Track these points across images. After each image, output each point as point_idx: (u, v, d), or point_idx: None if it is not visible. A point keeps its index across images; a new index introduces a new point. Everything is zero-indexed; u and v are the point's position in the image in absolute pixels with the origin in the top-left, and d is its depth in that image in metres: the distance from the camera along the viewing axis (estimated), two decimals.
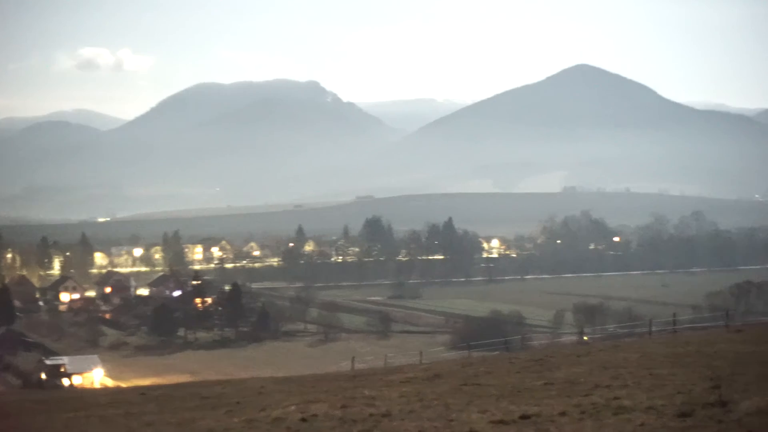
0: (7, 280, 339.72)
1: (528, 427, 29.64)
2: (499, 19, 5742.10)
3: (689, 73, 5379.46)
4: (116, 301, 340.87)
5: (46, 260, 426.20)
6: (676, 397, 32.78)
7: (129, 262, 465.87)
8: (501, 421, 31.07)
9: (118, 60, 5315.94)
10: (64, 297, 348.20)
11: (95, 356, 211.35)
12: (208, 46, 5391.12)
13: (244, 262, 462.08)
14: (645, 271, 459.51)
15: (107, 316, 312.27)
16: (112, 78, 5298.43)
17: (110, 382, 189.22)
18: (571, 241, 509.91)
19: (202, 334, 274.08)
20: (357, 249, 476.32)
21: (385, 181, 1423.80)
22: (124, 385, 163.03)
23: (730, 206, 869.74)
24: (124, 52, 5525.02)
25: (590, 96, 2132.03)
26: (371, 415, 35.95)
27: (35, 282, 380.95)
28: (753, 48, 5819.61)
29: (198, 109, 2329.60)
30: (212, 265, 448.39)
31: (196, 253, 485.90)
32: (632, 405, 31.89)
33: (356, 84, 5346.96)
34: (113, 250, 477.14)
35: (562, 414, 31.28)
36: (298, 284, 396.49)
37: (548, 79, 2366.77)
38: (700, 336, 70.54)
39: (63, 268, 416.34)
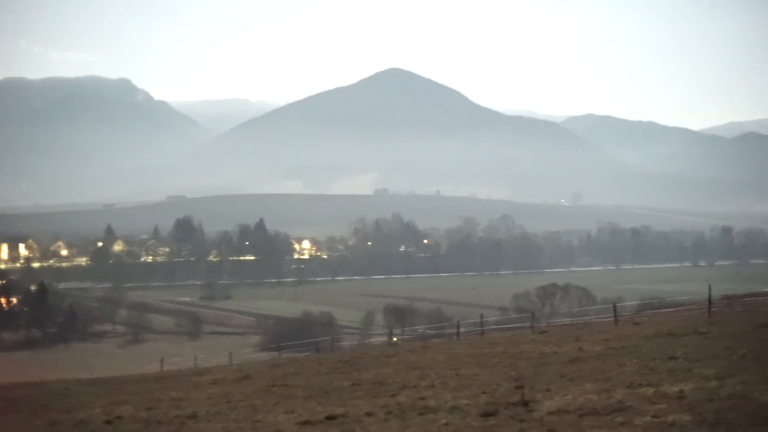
0: None
1: (334, 428, 29.76)
2: (313, 21, 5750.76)
3: (499, 80, 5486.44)
4: None
5: None
6: (481, 397, 33.37)
7: None
8: (307, 422, 31.14)
9: None
10: None
11: None
12: (14, 40, 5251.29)
13: (52, 261, 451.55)
14: (454, 273, 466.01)
15: None
16: None
17: None
18: (382, 243, 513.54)
19: (6, 336, 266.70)
20: (167, 249, 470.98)
21: (197, 181, 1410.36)
22: None
23: (536, 210, 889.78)
24: None
25: (402, 99, 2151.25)
26: (177, 416, 35.63)
27: None
28: (562, 56, 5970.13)
29: (3, 105, 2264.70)
30: (18, 265, 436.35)
31: (1, 252, 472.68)
32: (437, 405, 32.34)
33: (168, 82, 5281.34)
34: None
35: (368, 414, 31.52)
36: (107, 284, 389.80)
37: (361, 81, 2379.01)
38: (506, 337, 71.92)
39: None
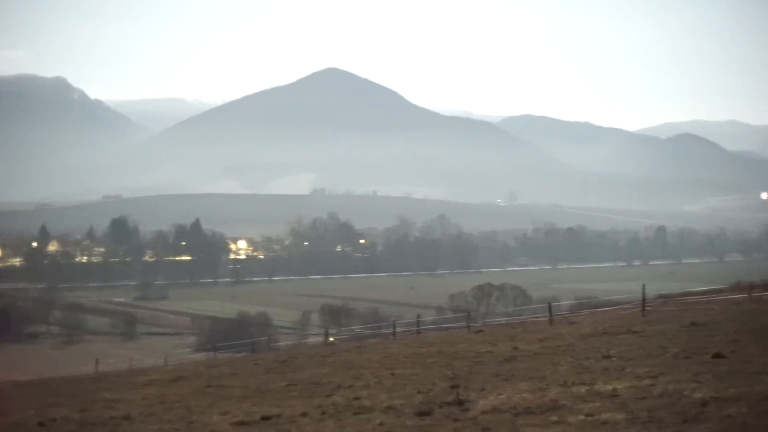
0: None
1: (269, 429, 29.70)
2: (249, 20, 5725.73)
3: (436, 80, 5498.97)
4: None
5: None
6: (416, 397, 33.47)
7: None
8: (242, 423, 31.05)
9: None
10: None
11: None
12: None
13: None
14: (391, 273, 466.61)
15: None
16: None
17: None
18: (319, 243, 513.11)
19: None
20: (103, 249, 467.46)
21: (133, 181, 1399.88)
22: None
23: (473, 210, 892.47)
24: None
25: (339, 99, 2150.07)
26: (111, 418, 35.37)
27: None
28: (498, 56, 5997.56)
29: None
30: None
31: None
32: (372, 405, 32.39)
33: (104, 81, 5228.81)
34: None
35: (304, 415, 31.51)
36: (42, 285, 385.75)
37: (298, 81, 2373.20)
38: (442, 337, 72.26)
39: None
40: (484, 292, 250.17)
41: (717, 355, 37.54)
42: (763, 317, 52.34)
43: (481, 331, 75.41)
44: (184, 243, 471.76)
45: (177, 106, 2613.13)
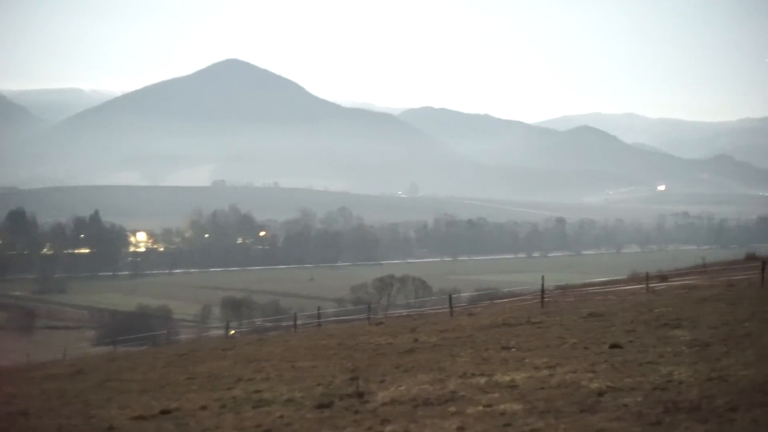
0: None
1: (168, 422, 29.50)
2: (150, 9, 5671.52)
3: (337, 72, 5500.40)
4: None
5: None
6: (316, 389, 33.50)
7: None
8: (141, 417, 30.81)
9: None
10: None
11: None
12: None
13: None
14: (292, 265, 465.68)
15: None
16: None
17: None
18: (220, 235, 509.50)
19: None
20: None
21: (30, 172, 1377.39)
22: None
23: (374, 202, 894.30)
24: None
25: (240, 91, 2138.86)
26: (8, 413, 34.85)
27: None
28: (399, 48, 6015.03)
29: None
30: None
31: None
32: (272, 398, 32.36)
33: (0, 71, 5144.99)
34: None
35: (203, 408, 31.36)
36: None
37: (198, 72, 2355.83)
38: (343, 329, 72.27)
39: None
40: (385, 283, 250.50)
41: (614, 346, 38.07)
42: (659, 308, 53.20)
43: (381, 323, 75.55)
44: (83, 235, 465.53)
45: (75, 97, 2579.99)
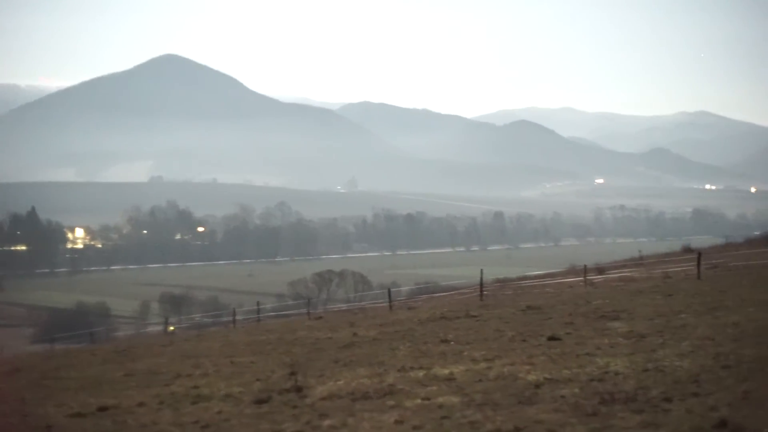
0: None
1: (105, 419, 29.29)
2: (86, 4, 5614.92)
3: (275, 67, 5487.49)
4: None
5: None
6: (255, 385, 33.42)
7: None
8: (78, 414, 30.54)
9: None
10: None
11: None
12: None
13: None
14: (231, 261, 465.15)
15: None
16: None
17: None
18: (158, 232, 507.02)
19: None
20: None
21: None
22: None
23: (313, 197, 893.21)
24: None
25: (178, 86, 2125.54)
26: None
27: None
28: (337, 43, 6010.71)
29: None
30: None
31: None
32: (210, 393, 32.23)
33: None
34: None
35: (141, 405, 31.16)
36: None
37: (136, 67, 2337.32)
38: (283, 324, 72.26)
39: None
40: (324, 278, 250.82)
41: (551, 338, 38.33)
42: (597, 300, 53.64)
43: (321, 317, 75.69)
44: (19, 232, 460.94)
45: (11, 93, 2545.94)
